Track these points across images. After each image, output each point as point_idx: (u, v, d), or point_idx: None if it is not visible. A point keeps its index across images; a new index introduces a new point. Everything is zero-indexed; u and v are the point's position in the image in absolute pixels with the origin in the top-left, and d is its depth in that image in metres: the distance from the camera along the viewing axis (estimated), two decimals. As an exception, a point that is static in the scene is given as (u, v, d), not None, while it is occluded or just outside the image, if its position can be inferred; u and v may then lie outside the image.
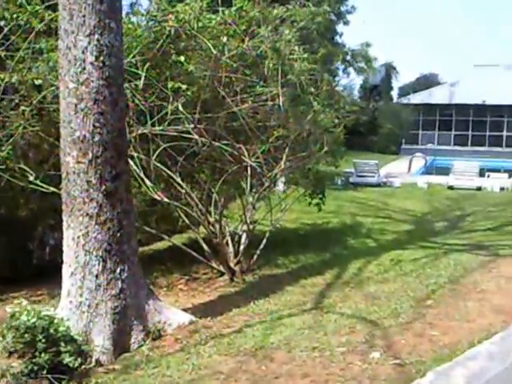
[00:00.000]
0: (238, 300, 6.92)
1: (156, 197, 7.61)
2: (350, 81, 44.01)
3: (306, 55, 8.49)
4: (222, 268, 8.36)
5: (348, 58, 22.58)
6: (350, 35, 49.51)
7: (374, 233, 11.16)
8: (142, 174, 7.39)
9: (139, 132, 7.03)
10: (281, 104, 7.64)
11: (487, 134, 42.13)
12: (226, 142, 7.42)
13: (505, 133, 42.12)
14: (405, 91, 46.40)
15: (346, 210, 13.65)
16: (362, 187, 17.87)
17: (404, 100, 40.90)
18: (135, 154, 7.10)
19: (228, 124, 7.66)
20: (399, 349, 4.80)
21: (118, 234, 5.22)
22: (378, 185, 18.72)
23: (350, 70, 23.50)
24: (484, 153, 37.96)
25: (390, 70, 41.31)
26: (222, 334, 5.51)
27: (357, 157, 24.20)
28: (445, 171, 28.54)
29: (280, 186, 10.87)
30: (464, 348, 4.67)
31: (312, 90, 8.72)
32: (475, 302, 6.14)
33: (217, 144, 7.32)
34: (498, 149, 40.81)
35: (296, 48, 8.35)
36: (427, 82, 49.68)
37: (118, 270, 5.25)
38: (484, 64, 44.58)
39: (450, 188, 18.59)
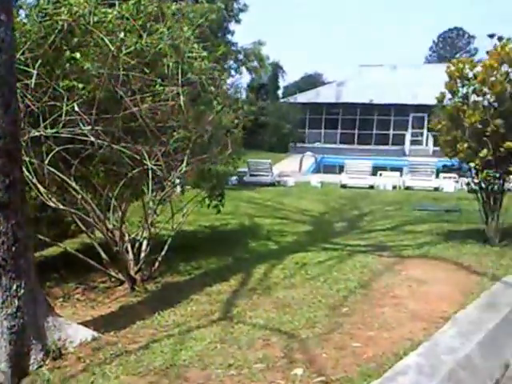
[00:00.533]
0: (141, 311, 6.64)
1: (51, 204, 7.18)
2: (236, 80, 44.52)
3: (205, 53, 8.36)
4: (121, 276, 8.04)
5: (241, 56, 22.62)
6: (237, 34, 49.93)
7: (274, 234, 11.16)
8: (34, 180, 6.94)
9: (31, 135, 6.59)
10: (182, 104, 7.44)
11: (374, 132, 43.78)
12: (124, 143, 7.14)
13: (391, 131, 43.92)
14: (290, 90, 47.39)
15: (243, 210, 13.60)
16: (256, 186, 17.93)
17: (291, 99, 41.69)
18: (27, 159, 6.64)
19: (126, 125, 7.36)
20: (322, 364, 4.67)
21: (13, 248, 4.84)
22: (272, 184, 18.87)
23: (243, 69, 23.57)
24: (370, 151, 39.34)
25: (276, 69, 42.06)
26: (127, 351, 5.23)
27: (247, 156, 24.30)
28: (332, 169, 29.44)
29: (178, 189, 10.66)
30: (390, 361, 4.58)
31: (212, 89, 8.58)
32: (391, 308, 6.15)
33: (116, 147, 7.01)
34: (385, 147, 42.45)
35: (196, 46, 8.20)
36: (312, 81, 51.02)
37: (15, 287, 4.87)
38: (369, 64, 46.36)
39: (343, 187, 19.03)
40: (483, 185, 9.56)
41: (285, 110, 38.95)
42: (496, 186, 9.47)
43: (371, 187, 19.17)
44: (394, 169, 24.82)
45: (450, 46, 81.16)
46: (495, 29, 9.64)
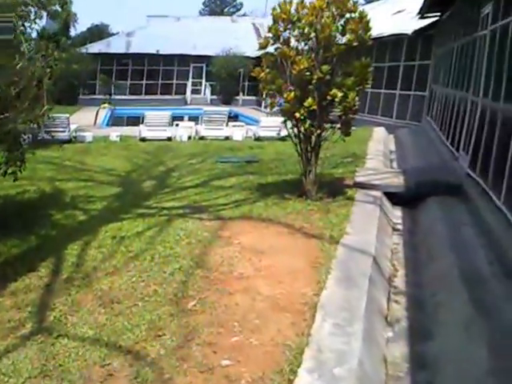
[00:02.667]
0: None
1: None
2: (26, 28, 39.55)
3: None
4: None
5: (41, -2, 19.21)
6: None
7: (81, 201, 9.26)
8: None
9: None
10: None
11: (160, 82, 41.93)
12: None
13: (174, 81, 42.43)
14: (77, 41, 43.67)
15: (42, 174, 11.35)
16: (52, 144, 15.49)
17: (83, 49, 38.01)
18: None
19: None
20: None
21: None
22: (69, 141, 16.42)
23: (43, 13, 20.12)
24: (156, 101, 37.67)
25: (68, 18, 37.87)
26: None
27: None
28: (129, 122, 27.25)
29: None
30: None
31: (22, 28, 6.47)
32: (243, 296, 4.90)
33: None
34: (169, 96, 40.98)
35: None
36: (99, 32, 47.42)
37: None
38: (156, 15, 44.18)
39: (143, 140, 17.22)
40: (302, 136, 8.57)
41: (75, 60, 35.08)
42: (314, 137, 8.53)
43: (169, 139, 17.57)
44: (192, 118, 23.44)
45: (220, 0, 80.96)
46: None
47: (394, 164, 13.29)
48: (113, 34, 47.17)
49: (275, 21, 8.27)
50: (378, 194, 8.97)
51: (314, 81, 7.89)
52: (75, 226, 7.77)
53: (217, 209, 8.34)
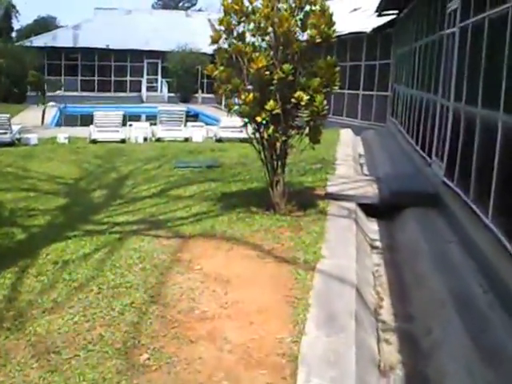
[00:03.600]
0: None
1: None
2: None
3: None
4: None
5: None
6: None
7: (21, 215, 8.28)
8: None
9: None
10: None
11: (112, 78, 40.67)
12: None
13: (128, 77, 41.23)
14: (23, 34, 42.01)
15: (-23, 182, 10.35)
16: (-8, 147, 14.45)
17: (27, 43, 36.33)
18: None
19: None
20: None
21: None
22: (11, 143, 15.29)
23: None
24: (110, 98, 36.54)
25: (9, 8, 36.14)
26: None
27: None
28: (78, 121, 26.01)
29: None
30: None
31: None
32: (209, 346, 4.06)
33: None
34: (123, 94, 39.81)
35: None
36: (46, 24, 45.78)
37: None
38: (104, 7, 42.77)
39: (94, 142, 16.21)
40: (266, 143, 7.82)
41: (20, 54, 33.40)
42: (279, 144, 7.79)
43: (123, 141, 16.59)
44: (149, 118, 22.33)
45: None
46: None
47: (365, 169, 12.71)
48: (59, 27, 45.50)
49: (226, 12, 7.48)
50: (352, 205, 8.33)
51: (274, 81, 7.14)
52: (12, 247, 6.81)
53: (175, 223, 7.53)
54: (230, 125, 17.55)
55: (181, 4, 77.33)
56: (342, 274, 5.44)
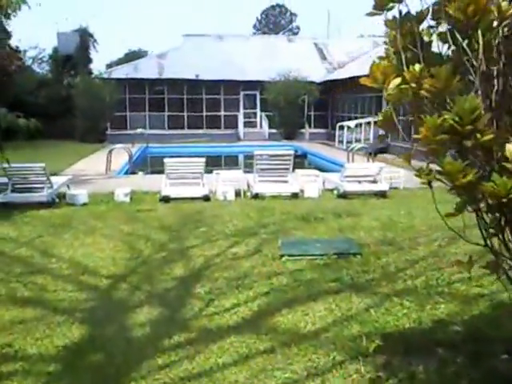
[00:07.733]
0: None
1: None
2: (39, 51, 35.86)
3: None
4: None
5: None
6: None
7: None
8: None
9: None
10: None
11: (204, 114, 37.37)
12: None
13: (222, 112, 37.87)
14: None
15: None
16: (23, 208, 10.79)
17: (105, 74, 33.67)
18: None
19: None
20: None
21: None
22: (50, 203, 11.50)
23: None
24: (202, 136, 33.25)
25: (85, 37, 33.75)
26: None
27: (48, 149, 17.20)
28: (159, 165, 22.31)
29: None
30: None
31: None
32: None
33: None
34: (217, 131, 36.41)
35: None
36: (137, 57, 43.63)
37: None
38: (193, 34, 39.82)
39: (166, 200, 12.12)
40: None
41: (98, 88, 30.71)
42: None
43: (206, 198, 12.41)
44: (247, 158, 18.07)
45: (273, 23, 77.35)
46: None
47: None
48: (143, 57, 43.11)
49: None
50: None
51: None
52: None
53: None
54: (360, 173, 13.20)
55: (281, 34, 74.98)
56: None
